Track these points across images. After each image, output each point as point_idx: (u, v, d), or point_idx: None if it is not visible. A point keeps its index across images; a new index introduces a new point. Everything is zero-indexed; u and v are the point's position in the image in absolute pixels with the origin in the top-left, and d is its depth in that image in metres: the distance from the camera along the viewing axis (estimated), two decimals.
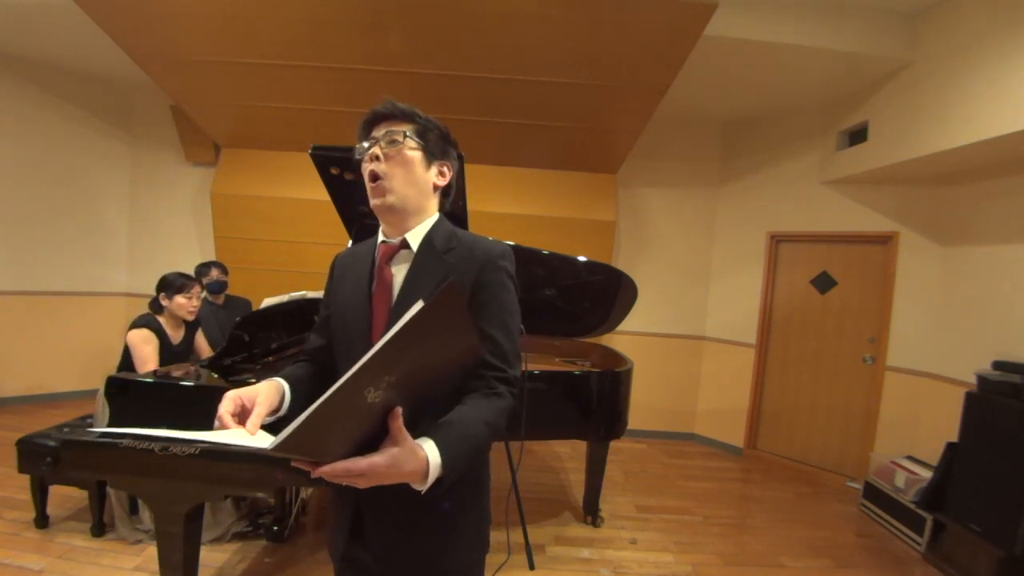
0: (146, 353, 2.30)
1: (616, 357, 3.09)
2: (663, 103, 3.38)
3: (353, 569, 0.99)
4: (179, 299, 2.43)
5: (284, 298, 2.46)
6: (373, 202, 0.95)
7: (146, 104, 4.52)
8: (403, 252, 0.97)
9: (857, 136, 3.53)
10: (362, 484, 0.70)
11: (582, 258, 2.76)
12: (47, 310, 4.28)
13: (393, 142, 0.93)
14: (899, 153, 3.07)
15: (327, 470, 0.66)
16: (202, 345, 2.72)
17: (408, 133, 0.94)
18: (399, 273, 0.96)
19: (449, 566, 0.94)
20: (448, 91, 3.34)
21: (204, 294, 3.29)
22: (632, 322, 3.37)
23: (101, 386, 1.77)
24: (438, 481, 0.76)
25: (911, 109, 3.01)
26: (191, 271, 2.88)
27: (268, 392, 0.87)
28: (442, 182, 1.01)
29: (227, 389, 1.83)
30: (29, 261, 4.17)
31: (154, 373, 2.06)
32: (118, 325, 4.45)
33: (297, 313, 2.69)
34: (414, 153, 0.95)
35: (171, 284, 2.43)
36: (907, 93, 3.05)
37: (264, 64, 3.19)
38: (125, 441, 1.66)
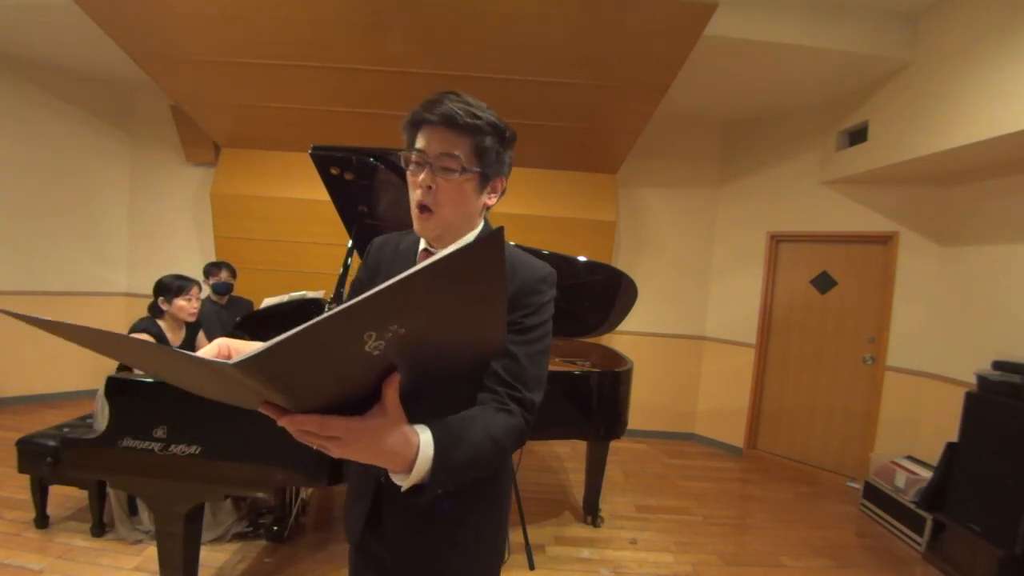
0: None
1: (616, 357, 3.09)
2: (663, 103, 3.38)
3: (365, 558, 0.98)
4: (179, 302, 2.42)
5: (284, 298, 2.46)
6: (417, 226, 0.89)
7: (146, 104, 4.52)
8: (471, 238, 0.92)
9: (857, 136, 3.53)
10: (335, 450, 0.59)
11: (582, 258, 2.76)
12: (47, 310, 4.25)
13: (447, 170, 0.83)
14: (899, 153, 3.07)
15: (298, 419, 0.55)
16: (203, 345, 2.72)
17: (466, 165, 0.83)
18: None
19: (462, 571, 0.94)
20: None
21: (208, 293, 3.29)
22: (632, 322, 3.37)
23: (101, 386, 1.77)
24: (422, 486, 0.67)
25: (911, 109, 3.01)
26: (191, 271, 2.87)
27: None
28: (493, 201, 0.92)
29: None
30: (29, 261, 4.17)
31: None
32: (118, 325, 4.45)
33: (297, 313, 2.69)
34: (469, 182, 0.85)
35: (169, 287, 2.41)
36: (907, 93, 3.05)
37: (264, 64, 3.19)
38: (125, 441, 1.66)
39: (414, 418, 0.67)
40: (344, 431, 0.57)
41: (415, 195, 0.87)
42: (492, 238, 0.50)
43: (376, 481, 0.92)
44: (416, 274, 0.47)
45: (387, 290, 0.47)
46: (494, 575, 1.00)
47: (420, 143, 0.85)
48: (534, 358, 0.87)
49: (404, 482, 0.66)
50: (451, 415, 0.75)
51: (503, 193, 0.95)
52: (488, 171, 0.87)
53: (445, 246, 0.85)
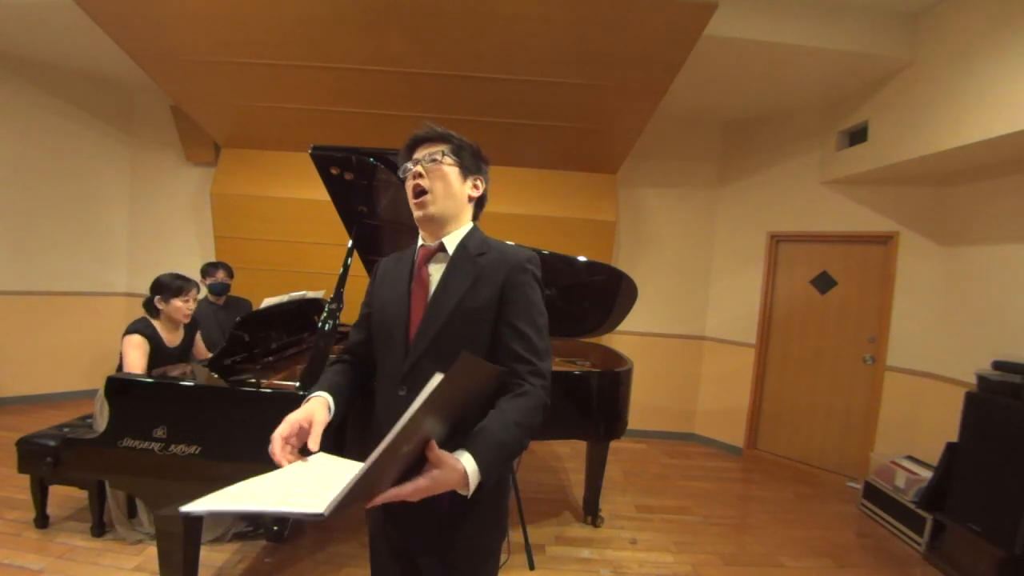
0: (132, 359, 2.26)
1: (616, 357, 3.09)
2: (663, 103, 3.37)
3: (387, 538, 1.12)
4: (176, 302, 2.39)
5: (284, 298, 2.45)
6: (416, 214, 1.08)
7: (146, 104, 4.53)
8: (440, 254, 1.09)
9: (857, 136, 3.53)
10: (412, 500, 0.78)
11: (582, 258, 2.76)
12: (47, 310, 4.28)
13: (433, 160, 1.06)
14: (899, 153, 3.07)
15: (378, 500, 0.76)
16: (199, 346, 2.70)
17: (445, 152, 1.07)
18: (436, 272, 1.08)
19: (468, 546, 1.04)
20: (448, 91, 3.34)
21: (205, 294, 3.29)
22: (632, 322, 3.37)
23: (101, 386, 1.77)
24: (480, 484, 0.84)
25: (911, 109, 3.01)
26: (191, 271, 2.87)
27: (321, 411, 0.98)
28: (476, 194, 1.13)
29: (227, 389, 1.82)
30: (29, 261, 4.17)
31: (150, 373, 2.06)
32: (118, 325, 4.41)
33: (297, 313, 2.68)
34: (451, 169, 1.07)
35: (167, 287, 2.38)
36: (907, 93, 3.05)
37: (264, 64, 3.19)
38: (125, 441, 1.66)
39: (460, 434, 0.88)
40: (414, 492, 0.77)
41: (411, 187, 1.07)
42: (461, 367, 0.69)
43: None
44: (420, 409, 0.65)
45: (401, 430, 0.64)
46: (495, 545, 1.11)
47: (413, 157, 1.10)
48: (540, 332, 1.03)
49: (467, 493, 0.84)
50: (486, 415, 0.93)
51: (485, 196, 1.16)
52: (466, 164, 1.10)
53: (439, 234, 1.10)
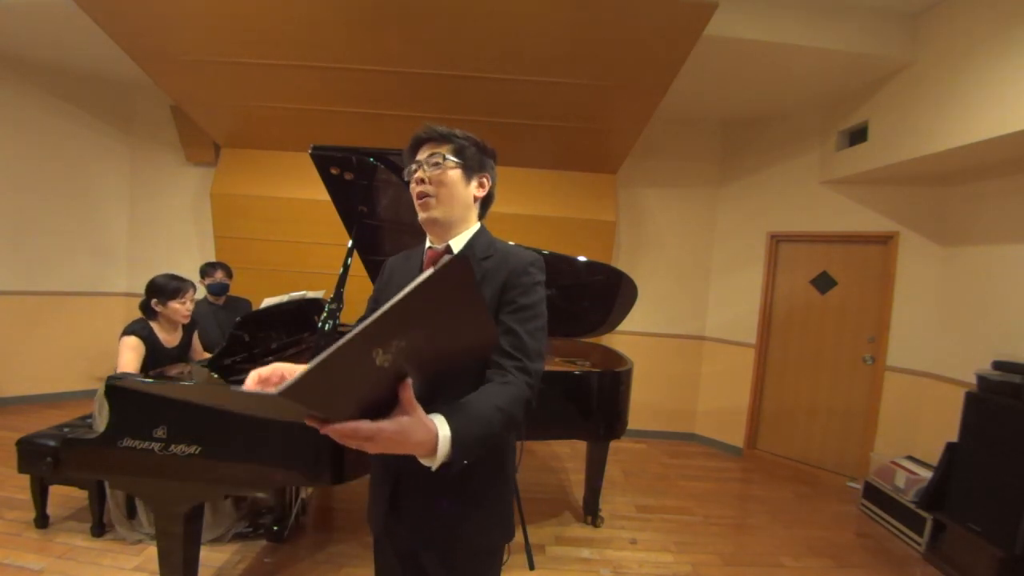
0: (125, 360, 2.25)
1: (616, 357, 3.09)
2: (663, 103, 3.37)
3: (391, 537, 1.09)
4: (174, 304, 2.38)
5: (284, 298, 2.45)
6: (420, 215, 1.07)
7: (146, 104, 4.52)
8: (446, 257, 1.03)
9: (857, 136, 3.53)
10: (370, 448, 0.70)
11: (582, 258, 2.76)
12: (47, 310, 4.28)
13: (435, 164, 1.05)
14: (899, 153, 3.07)
15: (336, 428, 0.66)
16: (195, 346, 2.70)
17: (447, 155, 1.05)
18: None
19: (471, 544, 1.04)
20: (448, 91, 3.34)
21: (205, 294, 3.29)
22: (632, 322, 3.37)
23: (101, 386, 1.77)
24: (449, 462, 0.77)
25: (911, 109, 3.01)
26: (190, 272, 2.87)
27: None
28: (481, 193, 1.12)
29: (227, 389, 1.81)
30: (29, 261, 4.17)
31: (147, 373, 2.06)
32: (117, 325, 4.40)
33: (297, 313, 2.68)
34: (454, 172, 1.06)
35: (164, 289, 2.37)
36: (907, 93, 3.05)
37: (264, 64, 3.19)
38: (125, 441, 1.66)
39: (434, 410, 0.79)
40: (374, 433, 0.68)
41: (415, 191, 1.06)
42: (458, 260, 0.66)
43: (395, 475, 1.04)
44: (403, 298, 0.60)
45: (382, 315, 0.59)
46: (499, 543, 1.09)
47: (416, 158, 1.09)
48: (533, 333, 1.01)
49: (432, 463, 0.77)
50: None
51: (492, 193, 1.14)
52: (470, 163, 1.08)
53: (446, 236, 1.11)
